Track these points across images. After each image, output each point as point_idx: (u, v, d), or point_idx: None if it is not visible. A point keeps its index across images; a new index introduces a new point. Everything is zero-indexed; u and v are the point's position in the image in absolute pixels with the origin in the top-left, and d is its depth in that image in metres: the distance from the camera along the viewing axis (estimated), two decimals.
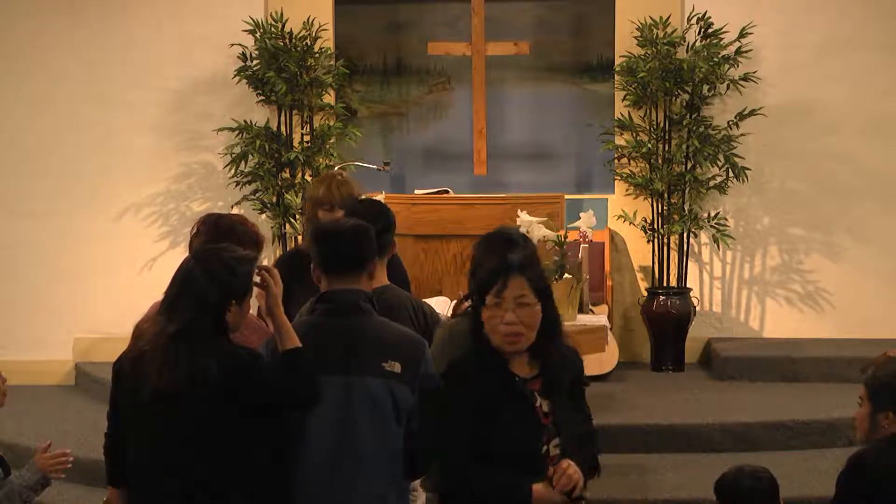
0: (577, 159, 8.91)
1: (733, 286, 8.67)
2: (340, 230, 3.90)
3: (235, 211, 8.03)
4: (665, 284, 8.35)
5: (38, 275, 8.65)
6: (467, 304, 4.12)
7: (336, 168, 7.91)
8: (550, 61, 8.86)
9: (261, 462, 3.59)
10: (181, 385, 3.45)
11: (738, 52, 8.21)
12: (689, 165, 8.29)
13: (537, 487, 3.49)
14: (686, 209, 8.32)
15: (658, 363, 8.25)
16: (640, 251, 8.58)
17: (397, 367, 3.66)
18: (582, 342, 6.16)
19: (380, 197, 6.51)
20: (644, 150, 8.30)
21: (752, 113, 8.24)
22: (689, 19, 8.33)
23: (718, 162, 8.25)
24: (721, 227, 8.28)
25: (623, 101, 8.45)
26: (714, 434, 6.65)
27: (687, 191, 8.34)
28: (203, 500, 3.52)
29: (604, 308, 7.93)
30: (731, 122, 8.28)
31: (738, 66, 8.26)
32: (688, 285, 8.40)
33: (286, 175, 8.37)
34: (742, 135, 8.29)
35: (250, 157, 8.30)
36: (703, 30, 8.24)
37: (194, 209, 8.64)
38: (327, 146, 8.42)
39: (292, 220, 8.28)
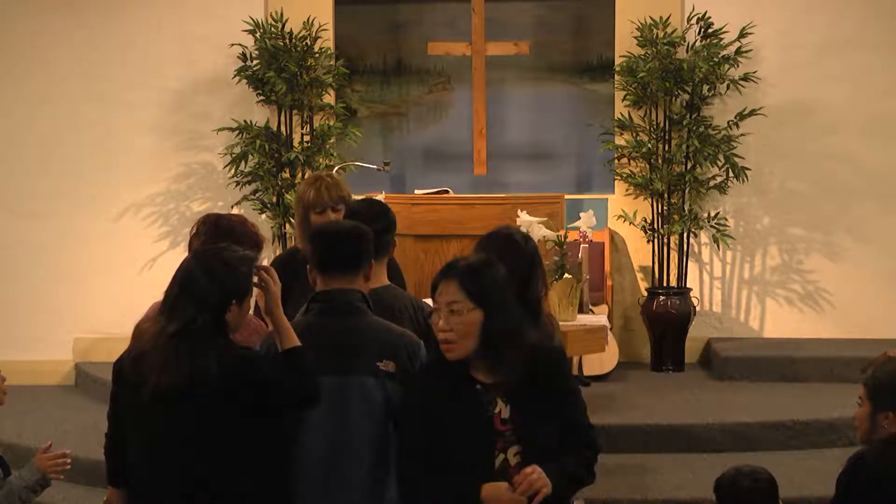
0: (577, 159, 8.91)
1: (733, 286, 8.67)
2: (336, 231, 3.92)
3: (235, 211, 8.03)
4: (665, 284, 8.35)
5: (38, 275, 8.65)
6: None
7: (336, 168, 7.91)
8: (550, 61, 8.86)
9: (260, 462, 3.59)
10: (181, 385, 3.45)
11: (738, 52, 8.21)
12: (689, 165, 8.30)
13: (486, 486, 3.34)
14: (686, 209, 8.32)
15: (658, 363, 8.25)
16: (640, 251, 8.58)
17: (392, 367, 3.67)
18: (582, 342, 6.17)
19: (380, 197, 6.50)
20: (644, 150, 8.30)
21: (752, 113, 8.24)
22: (689, 19, 8.33)
23: (718, 162, 8.25)
24: (721, 227, 8.28)
25: (623, 101, 8.45)
26: (714, 434, 6.65)
27: (687, 191, 8.34)
28: (203, 500, 3.52)
29: (604, 308, 7.93)
30: (731, 122, 8.29)
31: (738, 66, 8.26)
32: (688, 285, 8.40)
33: (286, 175, 8.37)
34: (742, 135, 8.29)
35: (250, 157, 8.30)
36: (703, 30, 8.24)
37: (194, 209, 8.64)
38: (327, 146, 8.42)
39: (292, 220, 8.27)
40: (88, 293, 8.60)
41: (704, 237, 8.52)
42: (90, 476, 5.93)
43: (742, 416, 6.83)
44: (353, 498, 3.66)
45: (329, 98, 8.60)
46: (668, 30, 8.30)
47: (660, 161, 8.31)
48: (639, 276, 8.66)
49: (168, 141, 8.71)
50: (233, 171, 8.36)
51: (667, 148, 8.32)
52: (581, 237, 6.93)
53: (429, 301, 4.30)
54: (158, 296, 3.67)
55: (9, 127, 8.72)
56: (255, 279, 3.63)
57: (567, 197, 7.54)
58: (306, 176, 8.34)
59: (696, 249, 8.57)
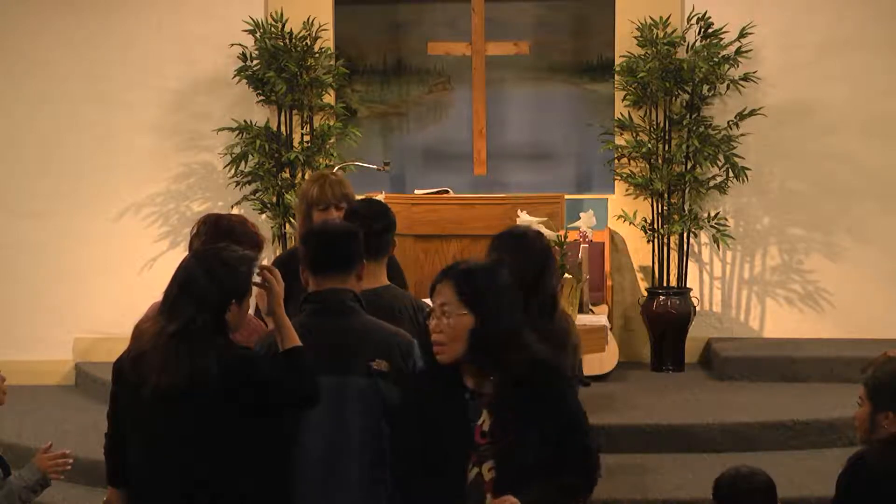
0: (577, 159, 8.91)
1: (733, 286, 8.67)
2: (326, 231, 3.94)
3: (235, 211, 8.03)
4: (665, 284, 8.35)
5: (38, 275, 8.64)
6: None
7: (336, 168, 7.91)
8: (550, 61, 8.86)
9: (260, 462, 3.59)
10: (181, 385, 3.46)
11: (738, 52, 8.21)
12: (689, 165, 8.30)
13: None
14: (686, 209, 8.32)
15: (658, 363, 8.25)
16: (640, 251, 8.58)
17: (385, 366, 3.67)
18: (582, 342, 6.16)
19: (380, 197, 6.50)
20: (644, 150, 8.30)
21: (752, 113, 8.24)
22: (689, 19, 8.33)
23: (718, 162, 8.25)
24: (721, 227, 8.28)
25: (623, 101, 8.45)
26: (714, 434, 6.65)
27: (687, 191, 8.34)
28: (203, 500, 3.52)
29: (604, 308, 7.93)
30: (731, 122, 8.29)
31: (738, 66, 8.26)
32: (688, 285, 8.40)
33: (286, 175, 8.37)
34: (742, 135, 8.29)
35: (250, 157, 8.30)
36: (703, 30, 8.24)
37: (194, 209, 8.64)
38: (327, 146, 8.42)
39: (292, 220, 8.28)
40: (88, 293, 8.60)
41: (704, 237, 8.52)
42: (90, 476, 5.92)
43: (742, 416, 6.83)
44: (351, 498, 3.67)
45: (329, 98, 8.60)
46: (668, 30, 8.30)
47: (660, 161, 8.31)
48: (639, 276, 8.66)
49: (168, 141, 8.71)
50: (233, 171, 8.35)
51: (667, 148, 8.32)
52: (581, 237, 6.93)
53: (429, 301, 4.29)
54: (158, 296, 3.67)
55: (9, 127, 8.72)
56: (258, 279, 3.63)
57: (567, 197, 7.54)
58: (306, 176, 8.35)
59: (696, 249, 8.57)
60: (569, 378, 3.60)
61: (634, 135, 8.41)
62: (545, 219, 6.23)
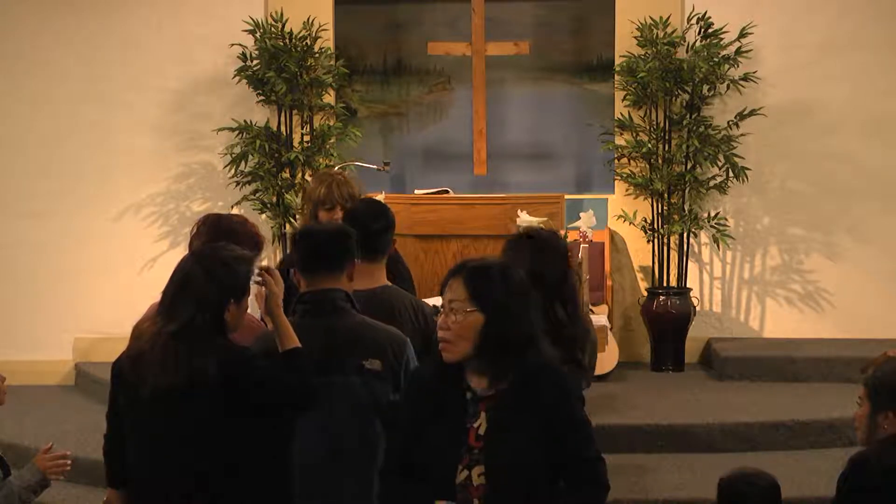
0: (577, 159, 8.91)
1: (733, 286, 8.67)
2: (316, 232, 3.95)
3: (235, 211, 8.03)
4: (665, 284, 8.35)
5: (38, 275, 8.64)
6: None
7: (336, 168, 7.91)
8: (550, 61, 8.85)
9: (259, 462, 3.59)
10: (180, 385, 3.46)
11: (738, 52, 8.21)
12: (689, 165, 8.29)
13: None
14: (686, 209, 8.32)
15: (658, 363, 8.25)
16: (640, 251, 8.58)
17: (378, 365, 3.68)
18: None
19: (380, 197, 6.50)
20: (644, 150, 8.30)
21: (752, 113, 8.24)
22: (689, 19, 8.33)
23: (718, 162, 8.25)
24: (721, 227, 8.28)
25: (623, 101, 8.45)
26: (714, 434, 6.65)
27: (687, 191, 8.34)
28: (203, 500, 3.52)
29: (604, 308, 7.93)
30: (731, 122, 8.28)
31: (738, 66, 8.26)
32: (688, 285, 8.40)
33: (286, 175, 8.37)
34: (742, 135, 8.29)
35: (250, 157, 8.30)
36: (703, 30, 8.24)
37: (194, 209, 8.64)
38: (327, 146, 8.42)
39: (292, 220, 8.28)
40: (88, 293, 8.60)
41: (704, 237, 8.52)
42: (90, 476, 5.92)
43: (742, 416, 6.83)
44: (346, 497, 3.67)
45: (329, 98, 8.60)
46: (668, 30, 8.30)
47: (660, 161, 8.31)
48: (639, 276, 8.65)
49: (168, 141, 8.71)
50: (233, 171, 8.35)
51: (667, 148, 8.32)
52: (581, 237, 6.94)
53: (429, 301, 4.28)
54: (158, 296, 3.67)
55: (9, 127, 8.71)
56: (258, 279, 3.63)
57: (567, 197, 7.54)
58: (307, 176, 8.35)
59: (696, 249, 8.57)
60: (579, 389, 3.47)
61: (634, 135, 8.41)
62: (545, 219, 6.24)
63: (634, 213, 8.40)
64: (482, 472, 3.17)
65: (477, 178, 8.32)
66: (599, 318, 6.99)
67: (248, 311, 3.78)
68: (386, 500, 3.39)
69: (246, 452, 3.54)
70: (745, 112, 8.25)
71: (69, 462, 4.18)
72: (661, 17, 8.32)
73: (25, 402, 7.43)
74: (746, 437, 6.65)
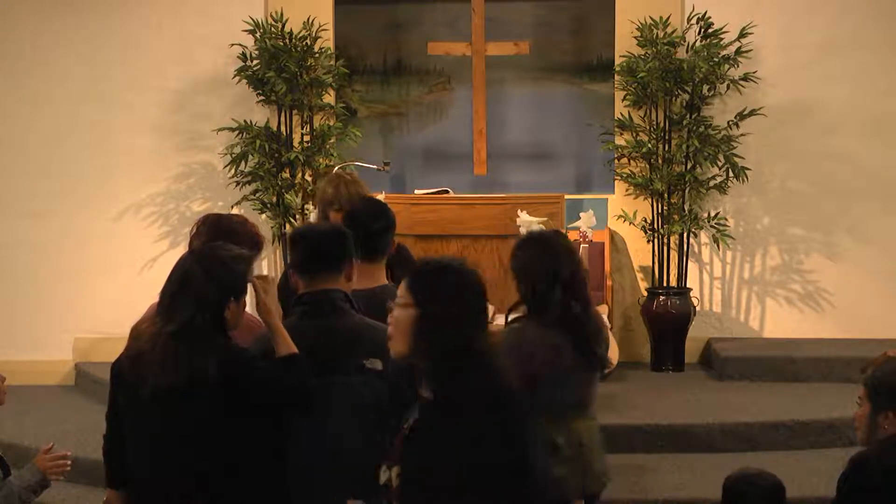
0: (577, 159, 8.91)
1: (733, 286, 8.67)
2: (314, 233, 3.95)
3: (235, 211, 8.03)
4: (665, 284, 8.35)
5: (38, 275, 8.65)
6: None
7: (336, 168, 7.91)
8: (550, 61, 8.85)
9: (260, 461, 3.59)
10: (180, 385, 3.46)
11: (738, 52, 8.21)
12: (689, 165, 8.29)
13: None
14: (686, 209, 8.32)
15: (658, 363, 8.25)
16: (640, 251, 8.58)
17: (378, 364, 3.67)
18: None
19: (380, 197, 6.50)
20: (644, 150, 8.29)
21: (752, 113, 8.24)
22: (689, 19, 8.33)
23: (718, 162, 8.25)
24: (721, 227, 8.28)
25: (623, 101, 8.45)
26: (714, 434, 6.65)
27: (687, 191, 8.34)
28: (203, 500, 3.52)
29: (604, 308, 7.92)
30: (731, 122, 8.28)
31: (738, 66, 8.26)
32: (688, 285, 8.40)
33: (286, 175, 8.37)
34: (742, 135, 8.29)
35: (250, 157, 8.30)
36: (703, 30, 8.24)
37: (194, 209, 8.64)
38: (327, 146, 8.42)
39: (292, 220, 8.28)
40: (88, 293, 8.60)
41: (704, 237, 8.52)
42: (90, 476, 5.92)
43: (742, 416, 6.83)
44: (346, 497, 3.67)
45: (329, 98, 8.60)
46: (668, 30, 8.30)
47: (660, 161, 8.31)
48: (639, 276, 8.65)
49: (168, 141, 8.71)
50: (233, 171, 8.35)
51: (667, 148, 8.32)
52: (581, 237, 6.93)
53: None
54: (158, 296, 3.66)
55: (9, 127, 8.72)
56: (258, 284, 3.65)
57: (567, 197, 7.55)
58: (307, 176, 8.36)
59: (696, 249, 8.57)
60: (524, 414, 3.13)
61: (634, 135, 8.41)
62: (545, 219, 6.24)
63: (634, 213, 8.40)
64: (398, 473, 3.07)
65: (477, 178, 8.32)
66: None
67: (248, 310, 3.79)
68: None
69: (246, 452, 3.54)
70: (745, 112, 8.25)
71: (69, 462, 4.19)
72: (661, 17, 8.32)
73: (25, 402, 7.43)
74: (746, 437, 6.65)
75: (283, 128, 8.42)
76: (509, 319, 4.23)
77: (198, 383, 3.45)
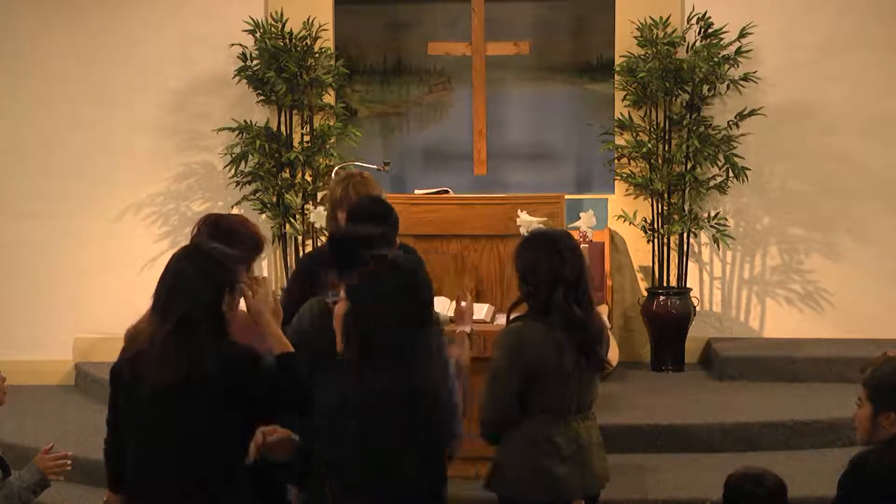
0: (577, 159, 8.91)
1: (733, 286, 8.67)
2: (353, 236, 3.98)
3: (235, 211, 8.03)
4: (665, 284, 8.35)
5: (38, 275, 8.65)
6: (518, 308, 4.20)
7: (336, 168, 7.92)
8: (550, 61, 8.86)
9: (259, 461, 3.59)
10: (180, 383, 3.46)
11: (738, 52, 8.21)
12: (689, 165, 8.29)
13: None
14: (686, 209, 8.32)
15: (658, 363, 8.25)
16: (640, 251, 8.58)
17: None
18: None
19: None
20: (644, 150, 8.30)
21: (752, 113, 8.24)
22: (689, 19, 8.33)
23: (718, 162, 8.25)
24: (721, 227, 8.28)
25: (623, 101, 8.45)
26: (714, 434, 6.65)
27: (687, 191, 8.34)
28: (202, 500, 3.52)
29: (604, 308, 7.92)
30: (731, 122, 8.29)
31: (738, 66, 8.26)
32: (688, 285, 8.40)
33: (286, 175, 8.37)
34: (742, 135, 8.29)
35: (250, 157, 8.30)
36: (703, 30, 8.24)
37: (194, 209, 8.64)
38: (327, 146, 8.42)
39: (292, 220, 8.28)
40: (88, 293, 8.60)
41: (704, 237, 8.52)
42: (90, 476, 5.93)
43: (742, 416, 6.83)
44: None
45: (329, 98, 8.60)
46: (668, 30, 8.30)
47: (660, 161, 8.31)
48: (639, 276, 8.66)
49: (168, 141, 8.71)
50: (233, 171, 8.35)
51: (667, 148, 8.32)
52: (581, 237, 6.91)
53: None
54: (152, 298, 3.68)
55: (9, 127, 8.72)
56: (245, 285, 3.67)
57: (567, 197, 7.51)
58: (307, 176, 8.36)
59: (696, 249, 8.57)
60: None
61: (634, 135, 8.41)
62: (545, 219, 6.23)
63: (634, 213, 8.40)
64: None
65: (477, 178, 8.32)
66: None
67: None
68: None
69: (245, 452, 3.54)
70: (745, 112, 8.25)
71: (69, 462, 4.19)
72: (661, 17, 8.32)
73: (25, 402, 7.43)
74: (746, 437, 6.65)
75: (283, 128, 8.42)
76: (510, 318, 4.23)
77: (197, 381, 3.46)
